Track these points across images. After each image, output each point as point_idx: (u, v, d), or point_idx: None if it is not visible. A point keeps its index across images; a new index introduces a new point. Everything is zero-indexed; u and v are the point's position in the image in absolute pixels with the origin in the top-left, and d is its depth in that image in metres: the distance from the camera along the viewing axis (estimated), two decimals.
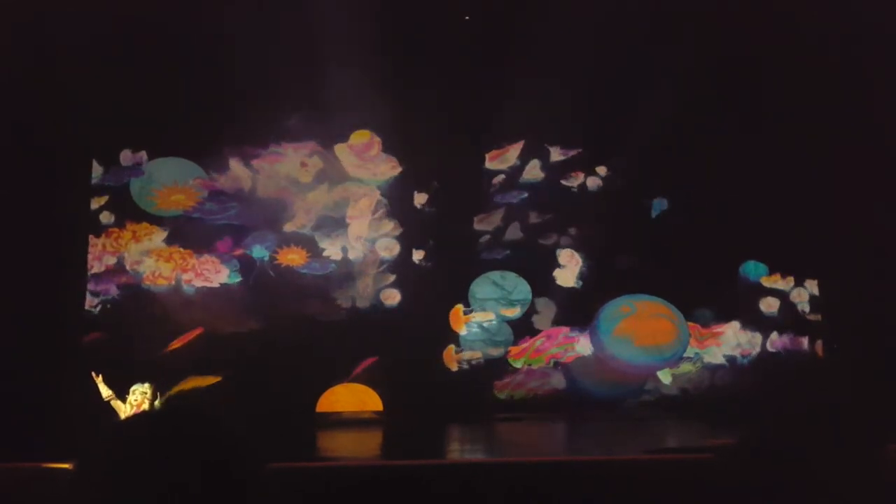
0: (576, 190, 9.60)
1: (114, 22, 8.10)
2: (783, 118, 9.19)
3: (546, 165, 9.60)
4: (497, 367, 9.24)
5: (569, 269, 9.48)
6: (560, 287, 9.47)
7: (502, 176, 9.56)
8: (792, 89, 8.88)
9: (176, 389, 8.34)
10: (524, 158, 9.59)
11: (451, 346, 9.21)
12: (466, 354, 9.20)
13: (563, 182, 9.59)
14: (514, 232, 9.49)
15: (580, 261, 9.48)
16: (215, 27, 8.16)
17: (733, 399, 8.84)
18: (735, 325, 9.42)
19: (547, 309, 9.41)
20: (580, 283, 9.46)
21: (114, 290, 8.92)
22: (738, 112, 9.28)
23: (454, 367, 9.16)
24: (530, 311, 9.38)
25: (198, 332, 8.82)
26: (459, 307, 9.28)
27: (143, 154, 9.12)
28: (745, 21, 8.43)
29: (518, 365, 9.23)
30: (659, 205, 9.58)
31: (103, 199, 9.05)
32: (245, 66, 8.50)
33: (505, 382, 9.20)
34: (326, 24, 8.06)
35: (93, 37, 8.00)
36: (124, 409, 5.79)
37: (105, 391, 6.04)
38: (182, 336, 8.80)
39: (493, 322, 9.31)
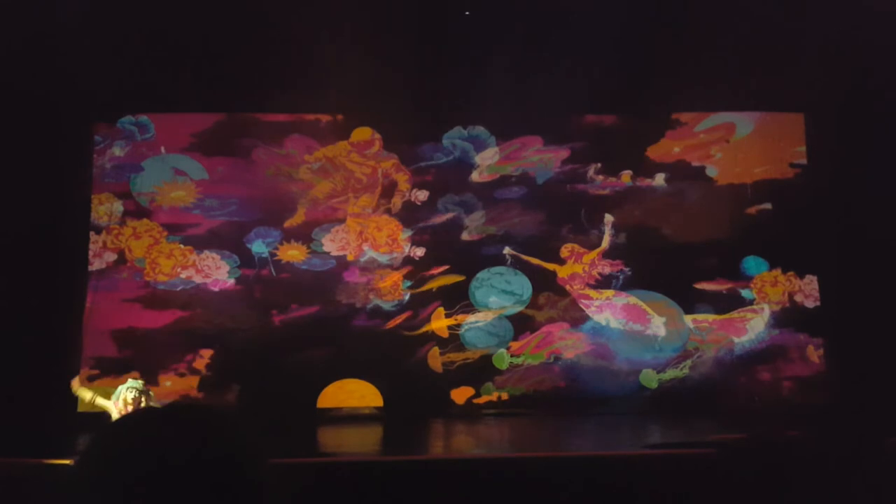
0: (576, 187, 9.57)
1: (113, 17, 8.08)
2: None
3: (547, 163, 9.58)
4: (491, 365, 9.20)
5: (570, 265, 9.46)
6: (561, 283, 9.45)
7: (502, 173, 9.54)
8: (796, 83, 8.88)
9: (426, 287, 9.16)
10: (524, 156, 9.57)
11: (436, 348, 9.17)
12: (451, 356, 9.14)
13: (563, 180, 9.56)
14: (513, 228, 9.46)
15: (582, 256, 9.46)
16: (215, 23, 8.15)
17: (731, 395, 8.84)
18: (736, 322, 9.40)
19: (548, 304, 9.39)
20: (583, 279, 9.45)
21: (114, 288, 8.94)
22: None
23: (439, 369, 9.14)
24: (531, 306, 9.37)
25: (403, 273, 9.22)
26: (441, 310, 9.24)
27: (163, 149, 9.13)
28: (745, 14, 8.40)
29: (503, 367, 9.18)
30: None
31: (104, 196, 9.07)
32: (245, 62, 8.49)
33: (504, 379, 9.18)
34: (328, 20, 8.05)
35: (93, 31, 7.98)
36: (113, 407, 5.39)
37: (86, 394, 5.81)
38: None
39: (494, 320, 9.28)
